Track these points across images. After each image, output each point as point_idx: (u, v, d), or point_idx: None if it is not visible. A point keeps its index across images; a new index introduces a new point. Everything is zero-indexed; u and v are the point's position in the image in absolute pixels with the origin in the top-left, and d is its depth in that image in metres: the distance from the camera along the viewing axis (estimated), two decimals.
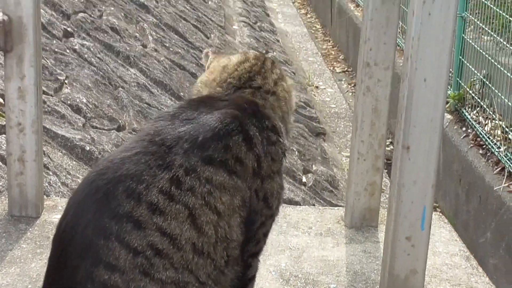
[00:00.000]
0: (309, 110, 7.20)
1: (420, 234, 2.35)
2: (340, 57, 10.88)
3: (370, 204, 2.92)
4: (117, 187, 1.87)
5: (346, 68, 10.32)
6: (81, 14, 5.61)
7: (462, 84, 7.09)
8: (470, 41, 7.01)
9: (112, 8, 6.20)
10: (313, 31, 12.21)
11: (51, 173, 3.53)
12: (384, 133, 2.87)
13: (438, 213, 3.26)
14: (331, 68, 10.22)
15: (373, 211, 2.93)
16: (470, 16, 7.13)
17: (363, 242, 2.83)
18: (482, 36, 7.12)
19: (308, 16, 13.31)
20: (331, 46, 11.43)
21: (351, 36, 10.41)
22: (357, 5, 10.77)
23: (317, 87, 8.78)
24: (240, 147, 2.00)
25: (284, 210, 3.07)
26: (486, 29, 6.90)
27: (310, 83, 8.77)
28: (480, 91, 6.83)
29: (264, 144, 2.06)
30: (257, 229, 2.10)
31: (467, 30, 7.19)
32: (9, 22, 2.73)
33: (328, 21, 12.30)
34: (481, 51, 6.79)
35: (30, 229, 2.78)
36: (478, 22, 7.03)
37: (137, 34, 6.13)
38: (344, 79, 9.87)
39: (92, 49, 5.15)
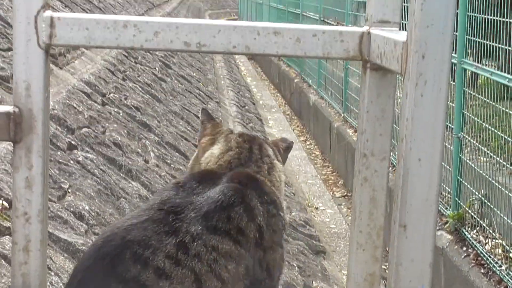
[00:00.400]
0: (309, 229, 7.25)
1: None
2: (340, 182, 10.99)
3: None
4: (124, 252, 1.93)
5: (345, 193, 10.41)
6: (85, 129, 5.75)
7: (461, 203, 7.15)
8: (468, 161, 7.11)
9: (115, 125, 6.35)
10: (312, 157, 12.38)
11: (53, 273, 3.57)
12: (382, 223, 2.92)
13: None
14: (331, 192, 10.31)
15: None
16: (467, 137, 7.27)
17: None
18: (479, 157, 7.24)
19: (307, 143, 13.52)
20: (330, 172, 11.57)
21: (350, 160, 10.54)
22: (355, 131, 10.96)
23: (316, 208, 8.86)
24: (242, 218, 2.07)
25: None
26: (484, 149, 7.02)
27: (309, 204, 8.85)
28: (479, 210, 6.90)
29: (264, 216, 2.13)
30: None
31: (464, 151, 7.31)
32: (20, 114, 2.83)
33: (327, 147, 12.48)
34: (479, 170, 6.89)
35: None
36: (475, 143, 7.16)
37: (139, 150, 6.25)
38: (344, 203, 9.95)
39: (95, 162, 5.26)
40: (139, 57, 10.12)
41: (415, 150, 2.38)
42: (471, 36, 7.18)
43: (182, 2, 29.21)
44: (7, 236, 3.57)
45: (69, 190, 4.57)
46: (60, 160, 4.85)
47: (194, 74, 12.28)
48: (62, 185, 4.52)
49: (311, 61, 15.05)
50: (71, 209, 4.33)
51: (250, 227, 2.09)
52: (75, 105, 6.00)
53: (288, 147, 2.47)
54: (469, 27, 7.20)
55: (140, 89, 8.21)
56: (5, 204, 3.87)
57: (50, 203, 4.20)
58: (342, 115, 12.15)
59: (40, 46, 2.87)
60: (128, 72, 8.57)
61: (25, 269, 2.90)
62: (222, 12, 38.42)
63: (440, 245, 6.94)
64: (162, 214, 2.02)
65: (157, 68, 10.02)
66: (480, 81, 7.93)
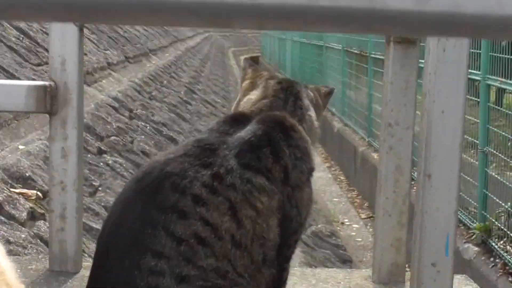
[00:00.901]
0: (335, 239, 7.30)
1: (445, 260, 2.44)
2: (365, 204, 11.01)
3: (397, 260, 3.00)
4: (163, 183, 2.03)
5: (371, 215, 10.43)
6: (113, 138, 5.88)
7: (487, 216, 7.18)
8: (495, 175, 7.16)
9: (143, 137, 6.48)
10: (337, 182, 12.42)
11: (86, 255, 3.67)
12: (407, 190, 3.00)
13: (463, 275, 3.32)
14: (357, 213, 10.34)
15: (400, 266, 3.00)
16: (493, 151, 7.31)
17: None
18: (506, 172, 7.28)
19: (332, 169, 13.57)
20: (355, 195, 11.60)
21: (375, 183, 10.57)
22: None
23: (342, 223, 8.90)
24: (268, 159, 2.16)
25: (313, 271, 3.16)
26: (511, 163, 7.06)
27: (335, 219, 8.90)
28: (506, 222, 6.92)
29: (291, 158, 2.22)
30: (290, 235, 2.22)
31: (490, 167, 7.35)
32: (55, 87, 2.95)
33: (351, 172, 12.53)
34: (506, 183, 6.93)
35: (70, 280, 2.89)
36: (501, 156, 7.19)
37: None
38: (369, 224, 9.97)
39: (124, 165, 5.37)
40: (165, 81, 10.27)
41: (438, 103, 2.47)
42: (495, 53, 7.24)
43: (206, 38, 29.51)
44: (42, 221, 3.70)
45: (100, 188, 4.68)
46: (90, 162, 4.97)
47: (219, 100, 12.42)
48: (93, 183, 4.63)
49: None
50: (102, 204, 4.44)
51: (275, 168, 2.17)
52: (103, 116, 6.13)
53: (330, 92, 2.56)
54: (493, 44, 7.27)
55: (166, 108, 8.34)
56: (39, 194, 4.00)
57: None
58: (367, 140, 12.21)
59: (75, 23, 3.01)
60: (154, 93, 8.71)
61: (62, 235, 3.01)
62: (245, 50, 38.69)
63: (467, 257, 6.96)
64: (198, 150, 2.12)
65: (182, 92, 10.16)
66: (505, 101, 7.98)
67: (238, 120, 2.29)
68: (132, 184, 2.10)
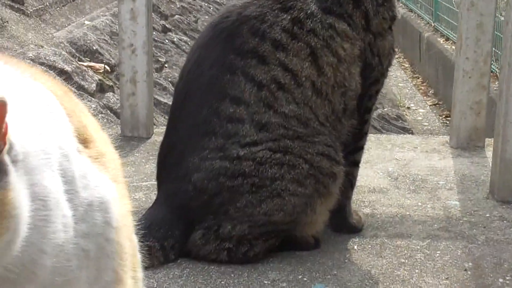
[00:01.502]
0: (401, 123, 7.20)
1: None
2: (430, 91, 10.81)
3: (476, 124, 2.90)
4: (242, 27, 1.96)
5: (436, 102, 10.25)
6: (177, 17, 5.80)
7: None
8: None
9: (207, 17, 6.39)
10: (402, 69, 12.20)
11: (155, 126, 3.66)
12: (489, 50, 2.87)
13: None
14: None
15: (479, 130, 2.90)
16: None
17: (470, 157, 2.82)
18: None
19: (396, 56, 13.34)
20: (420, 82, 11.39)
21: (441, 69, 10.33)
22: (447, 39, 10.72)
23: (408, 107, 8.77)
24: (348, 5, 2.06)
25: (388, 137, 3.09)
26: None
27: (401, 104, 8.77)
28: None
29: (373, 4, 2.11)
30: (371, 84, 2.14)
31: None
32: None
33: (416, 58, 12.27)
34: None
35: (142, 145, 2.86)
36: None
37: None
38: (435, 111, 9.80)
39: (189, 43, 5.31)
40: None
41: None
42: None
43: None
44: (111, 93, 3.67)
45: (166, 65, 4.64)
46: (156, 39, 4.91)
47: None
48: (160, 59, 4.58)
49: None
50: (169, 79, 4.40)
51: (356, 14, 2.08)
52: None
53: None
54: None
55: None
56: (107, 68, 3.97)
57: None
58: (433, 25, 11.90)
59: None
60: None
61: (133, 100, 2.96)
62: None
63: None
64: None
65: None
66: None
67: None
68: (209, 30, 2.02)
